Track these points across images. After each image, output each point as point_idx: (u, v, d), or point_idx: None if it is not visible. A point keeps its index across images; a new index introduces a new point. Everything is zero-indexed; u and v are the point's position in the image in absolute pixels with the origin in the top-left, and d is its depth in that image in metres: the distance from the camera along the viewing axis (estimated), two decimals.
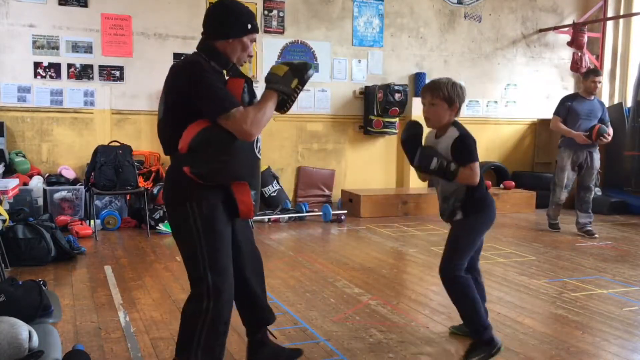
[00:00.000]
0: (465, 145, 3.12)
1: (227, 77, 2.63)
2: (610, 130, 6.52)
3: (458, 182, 3.16)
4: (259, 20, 7.95)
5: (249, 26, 2.62)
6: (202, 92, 2.45)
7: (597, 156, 6.66)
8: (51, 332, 2.59)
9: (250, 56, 2.69)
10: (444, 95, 3.17)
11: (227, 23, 2.60)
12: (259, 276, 2.94)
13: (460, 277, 3.17)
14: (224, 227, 2.61)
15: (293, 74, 2.58)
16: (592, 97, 6.64)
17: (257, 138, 2.62)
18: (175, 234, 2.72)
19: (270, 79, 2.59)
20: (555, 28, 9.46)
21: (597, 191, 8.69)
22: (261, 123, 2.49)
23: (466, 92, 3.32)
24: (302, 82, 2.60)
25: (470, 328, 3.23)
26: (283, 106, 2.62)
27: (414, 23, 8.77)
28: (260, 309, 2.96)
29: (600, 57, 9.47)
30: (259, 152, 2.67)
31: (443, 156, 3.14)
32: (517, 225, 7.50)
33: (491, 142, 9.41)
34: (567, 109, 6.64)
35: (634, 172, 8.40)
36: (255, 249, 2.94)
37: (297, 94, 2.61)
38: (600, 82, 6.61)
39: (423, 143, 3.31)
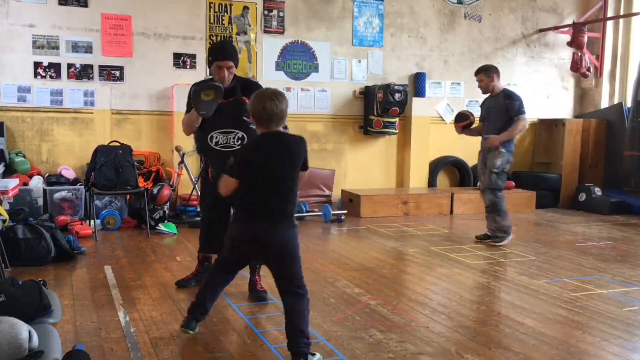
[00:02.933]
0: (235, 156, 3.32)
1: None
2: (522, 125, 6.15)
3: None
4: (259, 19, 7.96)
5: (211, 58, 4.20)
6: None
7: (494, 154, 6.11)
8: (51, 332, 2.58)
9: (223, 76, 4.11)
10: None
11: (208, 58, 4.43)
12: None
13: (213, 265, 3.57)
14: (208, 181, 4.31)
15: (200, 90, 4.01)
16: (497, 94, 6.23)
17: (212, 135, 4.10)
18: None
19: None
20: (555, 28, 9.46)
21: (598, 191, 8.70)
22: (183, 126, 4.29)
23: (269, 104, 3.05)
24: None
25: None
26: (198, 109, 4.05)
27: (414, 23, 8.77)
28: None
29: (600, 57, 9.47)
30: (215, 145, 4.12)
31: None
32: (517, 225, 7.49)
33: None
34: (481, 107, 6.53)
35: (634, 172, 8.42)
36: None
37: (199, 102, 3.98)
38: (480, 80, 6.22)
39: None
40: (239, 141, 4.08)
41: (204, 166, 4.52)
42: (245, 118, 4.04)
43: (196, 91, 3.95)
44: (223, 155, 4.05)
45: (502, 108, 6.18)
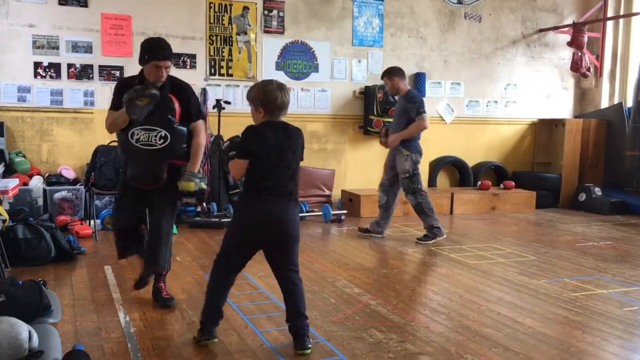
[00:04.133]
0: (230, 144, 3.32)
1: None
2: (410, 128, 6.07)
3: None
4: (259, 19, 7.96)
5: (146, 56, 3.86)
6: None
7: (400, 159, 6.17)
8: (51, 332, 2.59)
9: (160, 76, 3.87)
10: (249, 96, 3.32)
11: (139, 55, 3.91)
12: (155, 234, 4.02)
13: (215, 267, 3.40)
14: (123, 183, 4.18)
15: (133, 95, 3.77)
16: (402, 96, 6.26)
17: (133, 132, 3.89)
18: None
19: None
20: (555, 28, 9.46)
21: (598, 191, 8.70)
22: (106, 123, 4.04)
23: (279, 94, 3.22)
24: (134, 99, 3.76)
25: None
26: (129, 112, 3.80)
27: (414, 23, 8.77)
28: (148, 254, 4.07)
29: (600, 57, 9.47)
30: (136, 142, 3.91)
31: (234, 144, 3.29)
32: (517, 225, 7.50)
33: (491, 142, 9.41)
34: None
35: (635, 172, 8.42)
36: (160, 217, 4.04)
37: (133, 107, 3.76)
38: (385, 83, 6.31)
39: None
40: (162, 140, 3.89)
41: (122, 167, 4.29)
42: (170, 117, 3.91)
43: (134, 96, 3.77)
44: (144, 154, 3.92)
45: (403, 109, 6.24)
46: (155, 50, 3.87)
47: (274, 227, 3.25)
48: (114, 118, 3.93)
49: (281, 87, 3.24)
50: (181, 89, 4.03)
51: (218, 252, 3.41)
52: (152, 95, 3.79)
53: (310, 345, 3.27)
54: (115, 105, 3.97)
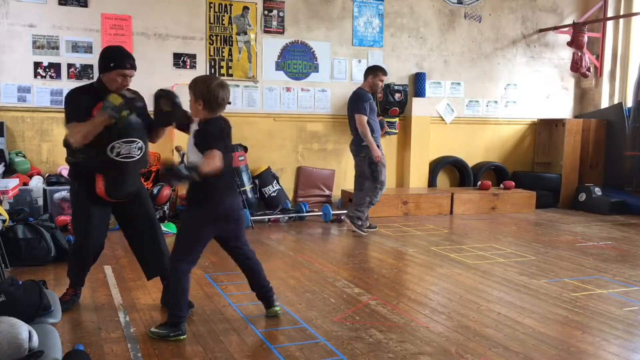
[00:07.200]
0: (203, 133, 3.38)
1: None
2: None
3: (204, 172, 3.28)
4: (259, 19, 7.95)
5: (112, 64, 3.68)
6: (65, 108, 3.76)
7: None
8: (51, 332, 2.59)
9: (124, 86, 3.71)
10: (193, 91, 3.43)
11: (100, 63, 3.75)
12: (154, 240, 4.00)
13: (179, 267, 3.50)
14: (86, 200, 3.81)
15: (126, 106, 3.56)
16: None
17: (113, 145, 3.65)
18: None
19: (107, 105, 3.54)
20: (555, 28, 9.46)
21: (598, 191, 8.71)
22: (77, 135, 3.58)
23: (221, 92, 3.39)
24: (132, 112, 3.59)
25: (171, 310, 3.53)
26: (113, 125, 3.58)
27: (414, 23, 8.77)
28: (153, 262, 4.04)
29: (600, 57, 9.47)
30: (116, 156, 3.69)
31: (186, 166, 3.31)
32: (517, 225, 7.50)
33: (491, 142, 9.41)
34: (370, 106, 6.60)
35: (635, 172, 8.42)
36: (151, 223, 4.00)
37: (124, 120, 3.56)
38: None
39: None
40: (139, 151, 3.80)
41: (78, 184, 3.86)
42: (145, 127, 3.83)
43: (128, 108, 3.57)
44: (125, 167, 3.76)
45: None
46: (123, 58, 3.74)
47: (235, 219, 3.63)
48: (89, 129, 3.57)
49: (226, 86, 3.43)
50: (141, 98, 3.88)
51: (178, 252, 3.52)
52: (139, 109, 3.69)
53: (277, 304, 3.83)
54: (78, 116, 3.63)
